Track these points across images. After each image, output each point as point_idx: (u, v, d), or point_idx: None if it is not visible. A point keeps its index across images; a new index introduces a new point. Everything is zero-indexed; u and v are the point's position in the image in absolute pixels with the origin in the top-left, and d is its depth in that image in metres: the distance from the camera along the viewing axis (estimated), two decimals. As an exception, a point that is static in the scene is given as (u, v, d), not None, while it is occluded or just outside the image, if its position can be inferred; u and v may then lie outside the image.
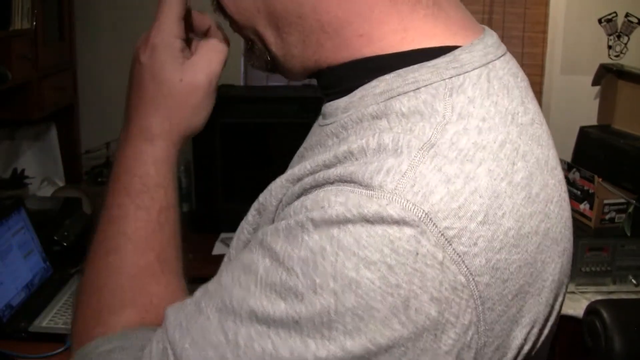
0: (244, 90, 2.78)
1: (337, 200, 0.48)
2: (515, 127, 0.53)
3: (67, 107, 2.63)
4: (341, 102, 0.59)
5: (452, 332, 0.47)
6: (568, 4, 2.84)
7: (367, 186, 0.48)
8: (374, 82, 0.57)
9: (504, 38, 2.84)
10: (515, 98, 0.56)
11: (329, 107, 0.61)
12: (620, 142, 2.47)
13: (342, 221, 0.47)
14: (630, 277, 2.10)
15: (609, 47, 2.87)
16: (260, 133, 2.58)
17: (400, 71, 0.55)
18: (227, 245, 2.37)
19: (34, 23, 2.10)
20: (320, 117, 0.63)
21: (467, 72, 0.54)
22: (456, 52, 0.55)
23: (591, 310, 1.79)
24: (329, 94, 0.61)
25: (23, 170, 2.40)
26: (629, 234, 2.26)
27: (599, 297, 1.97)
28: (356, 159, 0.52)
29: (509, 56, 0.60)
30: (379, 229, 0.46)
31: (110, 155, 2.67)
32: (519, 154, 0.52)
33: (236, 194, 2.57)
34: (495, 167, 0.50)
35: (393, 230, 0.46)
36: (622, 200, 2.31)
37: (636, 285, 2.10)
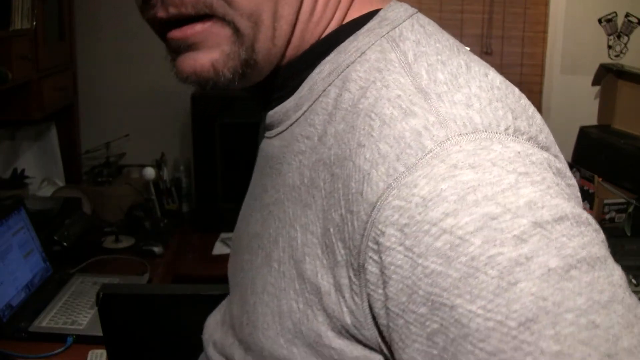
0: (244, 90, 2.77)
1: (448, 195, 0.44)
2: (464, 55, 0.55)
3: (67, 107, 2.63)
4: (288, 103, 0.59)
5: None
6: (568, 4, 2.84)
7: (426, 152, 0.46)
8: (316, 69, 0.57)
9: (504, 38, 2.84)
10: (449, 37, 0.58)
11: (275, 114, 0.60)
12: (620, 142, 2.46)
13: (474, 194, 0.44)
14: (630, 277, 2.10)
15: (609, 47, 2.87)
16: (260, 133, 2.57)
17: (339, 47, 0.57)
18: (227, 245, 2.38)
19: (34, 23, 2.10)
20: (265, 131, 0.62)
21: (399, 24, 0.56)
22: (380, 13, 0.58)
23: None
24: (272, 100, 0.61)
25: (23, 170, 2.40)
26: (629, 234, 2.26)
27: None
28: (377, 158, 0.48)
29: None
30: (494, 168, 0.45)
31: (110, 155, 2.67)
32: (484, 70, 0.54)
33: (236, 194, 2.55)
34: (480, 82, 0.51)
35: (502, 150, 0.46)
36: (622, 200, 2.31)
37: (636, 285, 2.10)
